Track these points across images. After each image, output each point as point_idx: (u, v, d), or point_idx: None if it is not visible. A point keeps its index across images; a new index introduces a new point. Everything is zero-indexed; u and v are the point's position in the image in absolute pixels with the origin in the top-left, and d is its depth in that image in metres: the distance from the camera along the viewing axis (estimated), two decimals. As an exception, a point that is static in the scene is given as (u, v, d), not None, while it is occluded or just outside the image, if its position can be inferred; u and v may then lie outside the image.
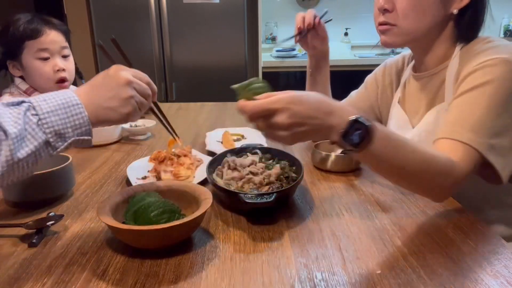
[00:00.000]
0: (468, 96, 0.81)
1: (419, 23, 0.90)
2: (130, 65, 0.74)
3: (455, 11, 0.89)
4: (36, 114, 0.59)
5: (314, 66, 1.22)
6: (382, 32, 0.95)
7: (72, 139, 0.62)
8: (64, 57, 1.35)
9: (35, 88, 1.33)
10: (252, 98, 0.65)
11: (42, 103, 0.60)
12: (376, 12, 0.96)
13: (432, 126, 0.95)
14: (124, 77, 0.66)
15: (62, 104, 0.61)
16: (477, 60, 0.83)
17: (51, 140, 0.59)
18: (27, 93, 1.32)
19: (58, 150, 0.61)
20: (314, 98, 0.65)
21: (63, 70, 1.33)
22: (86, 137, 0.63)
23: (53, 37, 1.31)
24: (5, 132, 0.55)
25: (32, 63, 1.30)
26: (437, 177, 0.75)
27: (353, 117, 0.64)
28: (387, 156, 0.69)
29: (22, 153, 0.57)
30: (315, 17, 1.12)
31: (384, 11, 0.92)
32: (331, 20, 1.13)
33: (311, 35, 1.15)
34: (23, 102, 0.59)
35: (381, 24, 0.94)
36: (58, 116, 0.60)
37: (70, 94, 0.62)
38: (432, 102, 0.98)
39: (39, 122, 0.59)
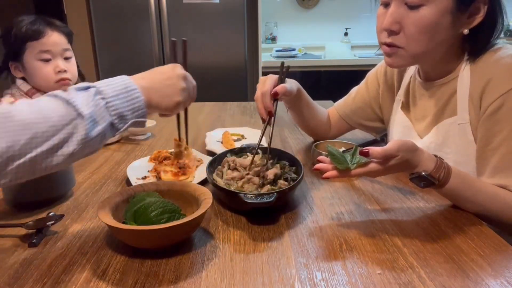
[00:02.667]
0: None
1: (428, 45, 0.86)
2: (186, 68, 0.80)
3: (466, 31, 0.86)
4: (103, 98, 0.63)
5: (290, 103, 1.13)
6: (387, 54, 0.91)
7: (131, 121, 0.66)
8: (66, 59, 1.35)
9: (37, 89, 1.33)
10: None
11: (106, 88, 0.64)
12: (379, 29, 0.91)
13: (442, 139, 0.94)
14: (182, 71, 0.75)
15: (123, 89, 0.65)
16: (501, 86, 0.81)
17: (115, 121, 0.64)
18: (29, 94, 1.32)
19: (120, 130, 0.65)
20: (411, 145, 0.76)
21: (65, 71, 1.33)
22: (142, 119, 0.68)
23: (55, 39, 1.31)
24: (80, 114, 0.60)
25: (33, 64, 1.30)
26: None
27: (420, 173, 0.75)
28: (462, 194, 0.80)
29: (93, 133, 0.61)
30: (273, 93, 0.94)
31: (391, 32, 0.87)
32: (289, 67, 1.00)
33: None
34: (89, 87, 0.64)
35: (386, 44, 0.90)
36: (120, 100, 0.64)
37: (127, 79, 0.67)
38: (441, 112, 0.96)
39: (107, 105, 0.63)
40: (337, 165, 0.74)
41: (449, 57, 0.92)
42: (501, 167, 0.83)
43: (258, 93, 0.96)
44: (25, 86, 1.32)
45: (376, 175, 0.75)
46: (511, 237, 0.79)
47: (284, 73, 0.99)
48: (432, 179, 0.75)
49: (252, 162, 0.89)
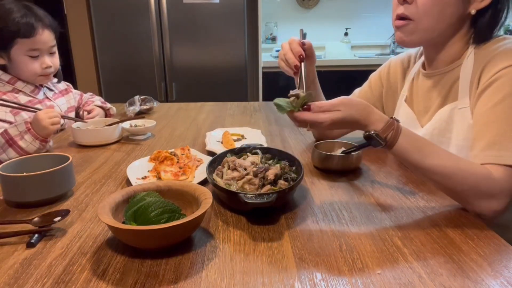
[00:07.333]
0: (496, 111, 0.81)
1: (437, 21, 0.90)
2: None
3: (473, 11, 0.89)
4: None
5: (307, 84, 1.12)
6: (398, 28, 0.95)
7: None
8: (52, 53, 1.40)
9: (18, 78, 1.36)
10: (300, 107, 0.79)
11: None
12: (394, 4, 0.95)
13: (444, 124, 0.95)
14: None
15: None
16: (498, 64, 0.83)
17: None
18: (11, 83, 1.35)
19: None
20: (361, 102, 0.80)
21: (50, 66, 1.38)
22: None
23: (45, 38, 1.33)
24: None
25: (21, 58, 1.32)
26: (472, 182, 0.77)
27: (369, 132, 0.78)
28: (410, 157, 0.79)
29: None
30: (302, 43, 1.01)
31: (403, 2, 0.91)
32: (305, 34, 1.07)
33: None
34: None
35: (399, 17, 0.93)
36: None
37: None
38: (444, 99, 0.97)
39: None
40: (281, 111, 0.79)
41: (454, 43, 0.94)
42: (488, 144, 0.81)
43: (286, 46, 1.00)
44: (6, 76, 1.34)
45: (323, 125, 0.77)
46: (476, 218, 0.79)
47: (303, 37, 1.04)
48: (379, 139, 0.77)
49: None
